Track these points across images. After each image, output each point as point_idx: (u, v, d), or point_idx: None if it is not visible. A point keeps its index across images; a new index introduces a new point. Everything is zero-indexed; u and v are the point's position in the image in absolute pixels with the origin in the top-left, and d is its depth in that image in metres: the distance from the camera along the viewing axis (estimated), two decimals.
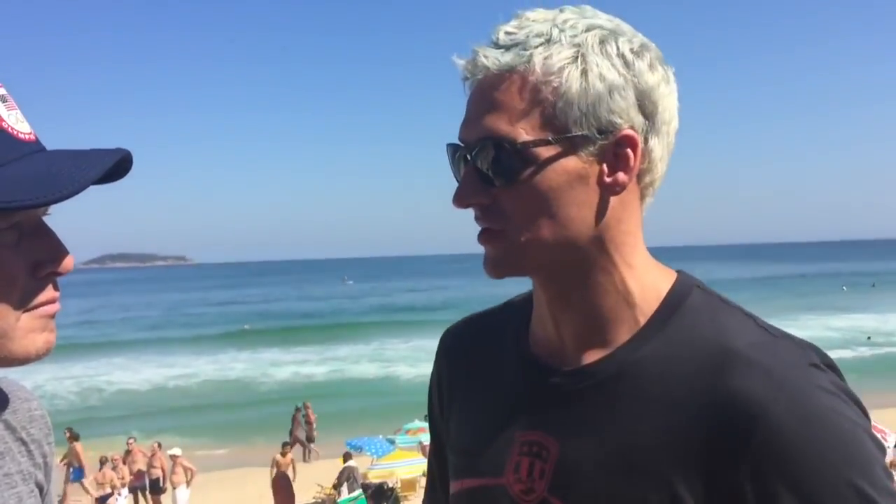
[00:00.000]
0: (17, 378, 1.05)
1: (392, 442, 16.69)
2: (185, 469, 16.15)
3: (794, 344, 0.91)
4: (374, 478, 15.32)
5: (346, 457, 15.86)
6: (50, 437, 1.06)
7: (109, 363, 41.75)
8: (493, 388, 1.06)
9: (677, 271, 1.00)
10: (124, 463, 16.98)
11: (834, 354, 0.90)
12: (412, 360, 36.28)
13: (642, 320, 0.95)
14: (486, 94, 0.91)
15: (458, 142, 0.96)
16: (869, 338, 41.63)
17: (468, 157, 0.93)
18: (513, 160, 0.89)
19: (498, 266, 0.94)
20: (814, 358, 0.89)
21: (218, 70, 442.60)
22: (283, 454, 16.84)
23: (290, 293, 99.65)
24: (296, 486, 15.48)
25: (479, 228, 0.94)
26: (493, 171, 0.90)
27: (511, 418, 1.01)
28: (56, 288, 0.88)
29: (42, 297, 0.85)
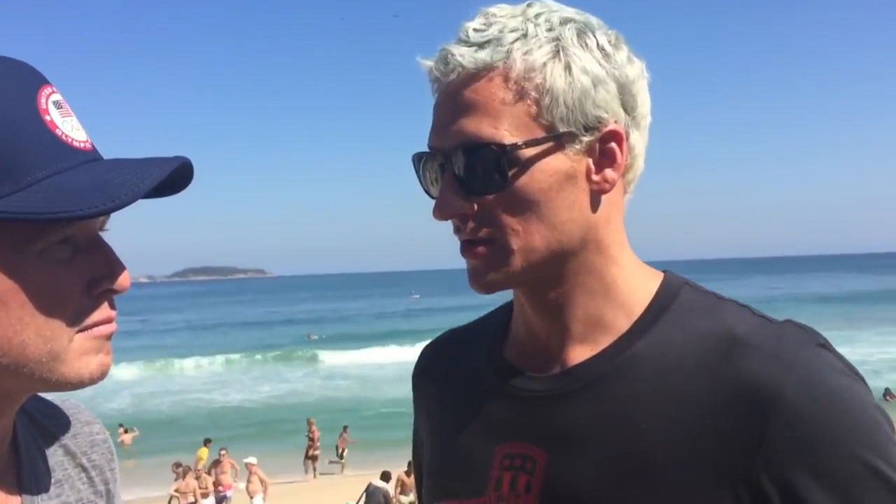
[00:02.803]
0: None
1: None
2: (261, 480, 16.41)
3: (798, 326, 0.88)
4: None
5: (385, 476, 15.46)
6: (113, 462, 1.00)
7: (210, 379, 41.55)
8: (467, 404, 1.00)
9: (664, 271, 0.97)
10: (209, 473, 17.25)
11: None
12: None
13: (633, 319, 0.91)
14: (461, 95, 0.85)
15: (427, 149, 0.90)
16: None
17: (445, 164, 0.87)
18: (499, 164, 0.84)
19: (489, 280, 0.88)
20: (820, 339, 0.86)
21: (301, 77, 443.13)
22: (409, 474, 16.15)
23: (366, 307, 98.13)
24: None
25: (458, 242, 0.89)
26: (478, 177, 0.85)
27: (488, 432, 0.95)
28: (112, 307, 0.82)
29: (97, 317, 0.79)
